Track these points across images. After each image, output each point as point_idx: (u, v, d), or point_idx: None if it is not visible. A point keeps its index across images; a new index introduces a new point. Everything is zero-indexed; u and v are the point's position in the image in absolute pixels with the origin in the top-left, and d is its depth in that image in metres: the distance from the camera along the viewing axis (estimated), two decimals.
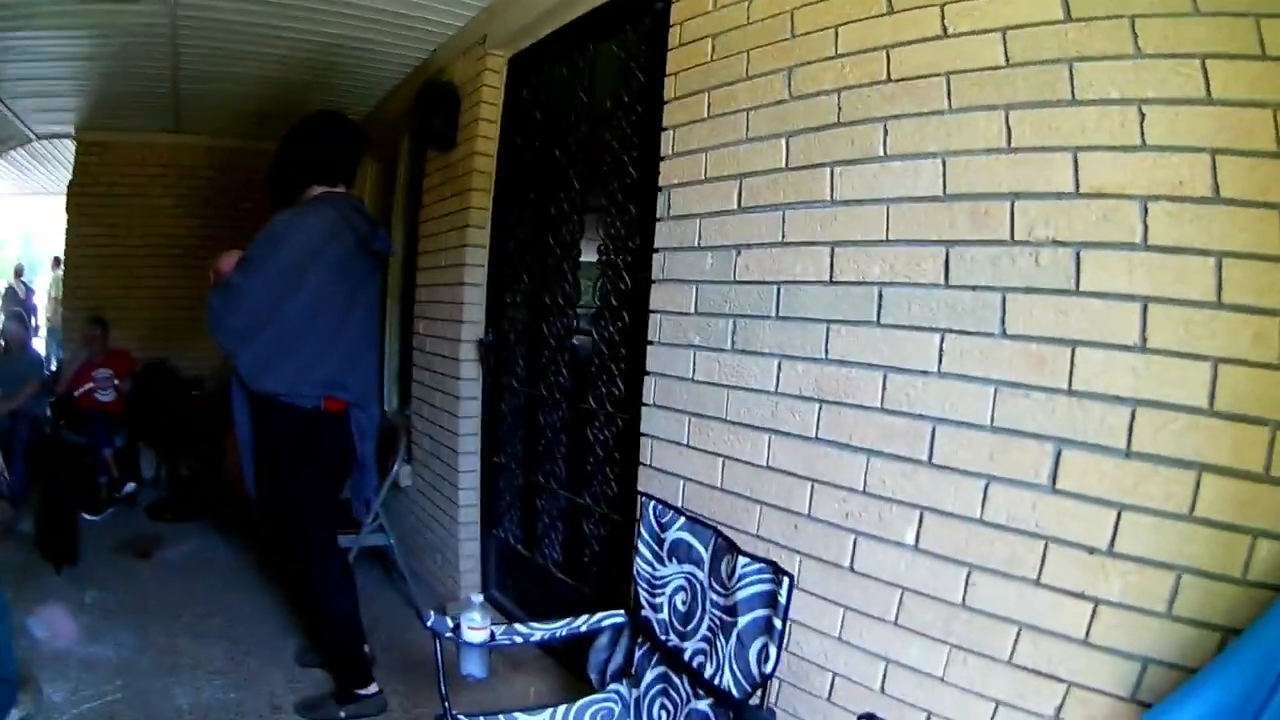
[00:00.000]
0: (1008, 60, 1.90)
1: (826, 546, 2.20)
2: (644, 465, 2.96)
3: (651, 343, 2.95)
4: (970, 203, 1.93)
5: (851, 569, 2.14)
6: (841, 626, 2.16)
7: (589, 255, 3.74)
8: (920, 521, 1.98)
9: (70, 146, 8.32)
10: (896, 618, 2.03)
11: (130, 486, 6.75)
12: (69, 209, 8.02)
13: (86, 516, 6.23)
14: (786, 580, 2.04)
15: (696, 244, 2.76)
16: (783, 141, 2.44)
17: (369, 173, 7.37)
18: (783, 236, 2.42)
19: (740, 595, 2.15)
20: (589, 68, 3.84)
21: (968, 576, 1.89)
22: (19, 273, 16.36)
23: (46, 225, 13.92)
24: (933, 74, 2.04)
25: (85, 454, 6.54)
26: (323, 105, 6.29)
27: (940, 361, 1.95)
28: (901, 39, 2.12)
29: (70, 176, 8.10)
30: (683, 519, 2.52)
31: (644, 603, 2.58)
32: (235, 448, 6.14)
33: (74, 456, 6.47)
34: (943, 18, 2.03)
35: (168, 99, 6.73)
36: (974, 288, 1.90)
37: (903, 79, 2.11)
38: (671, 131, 2.92)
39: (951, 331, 1.93)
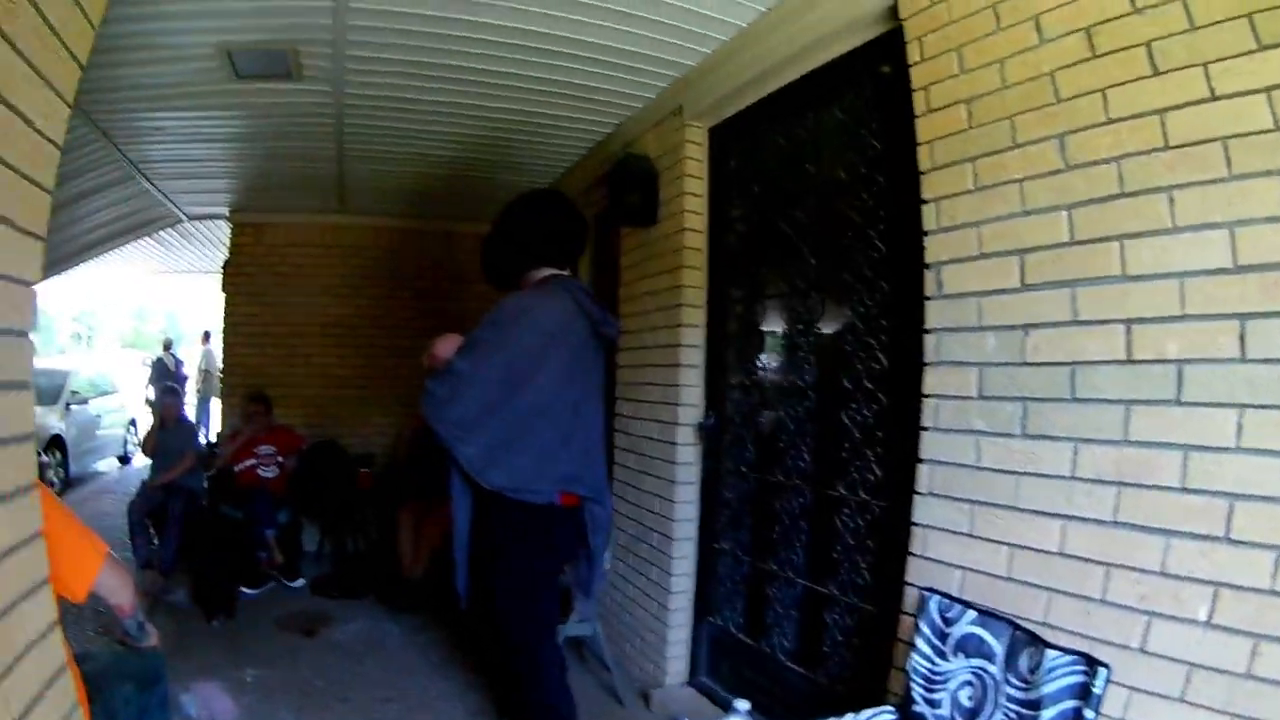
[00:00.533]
0: (1277, 124, 2.02)
1: (1118, 629, 2.31)
2: (916, 556, 3.03)
3: (926, 429, 3.00)
4: (1259, 274, 2.05)
5: (1142, 650, 2.25)
6: (1126, 707, 2.26)
7: (827, 332, 3.89)
8: (1214, 597, 2.11)
9: (221, 225, 9.12)
10: (1183, 694, 2.15)
11: (300, 582, 7.15)
12: (225, 288, 8.74)
13: (244, 591, 6.71)
14: (1103, 671, 2.16)
15: (977, 324, 2.82)
16: (1064, 214, 2.52)
17: None
18: (1075, 315, 2.49)
19: (1047, 689, 2.26)
20: (812, 137, 4.03)
21: (1254, 647, 2.03)
22: (168, 346, 17.72)
23: (193, 300, 14.84)
24: (1208, 139, 2.14)
25: (244, 528, 7.02)
26: (497, 183, 6.88)
27: (1239, 437, 2.09)
28: (1172, 102, 2.22)
29: (226, 256, 8.84)
30: (973, 613, 2.60)
31: (917, 698, 2.68)
32: (409, 525, 6.74)
33: (231, 530, 6.99)
34: (1208, 78, 2.14)
35: (330, 180, 7.32)
36: (1267, 360, 2.04)
37: (1180, 145, 2.21)
38: (934, 205, 3.00)
39: (1250, 406, 2.07)
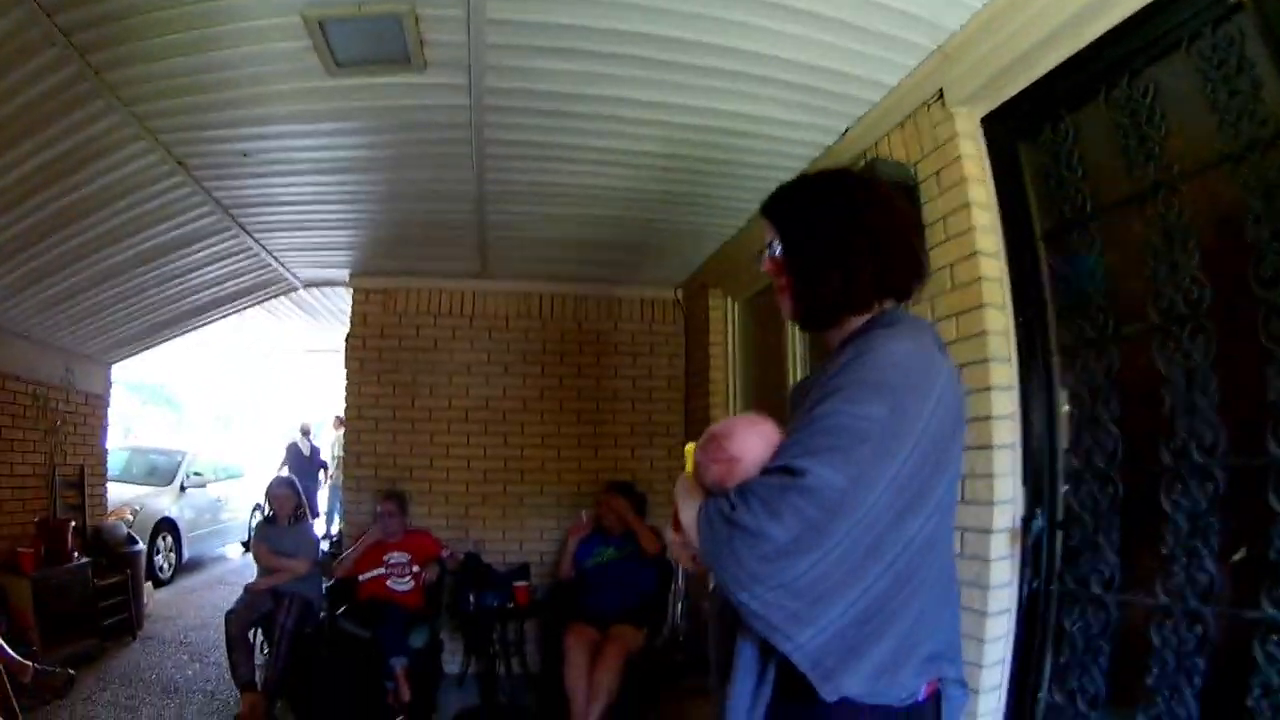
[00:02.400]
0: None
1: None
2: None
3: None
4: None
5: None
6: None
7: (1232, 376, 2.75)
8: None
9: (343, 296, 8.52)
10: None
11: None
12: (348, 363, 7.93)
13: None
14: None
15: None
16: None
17: (730, 314, 7.06)
18: None
19: None
20: (1154, 102, 2.99)
21: None
22: (305, 432, 17.85)
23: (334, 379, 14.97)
24: None
25: (369, 650, 6.17)
26: (679, 226, 6.03)
27: None
28: None
29: (348, 327, 8.03)
30: None
31: None
32: (580, 656, 5.74)
33: (351, 649, 6.22)
34: None
35: (469, 229, 6.44)
36: None
37: None
38: None
39: None
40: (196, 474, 14.02)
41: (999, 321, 3.54)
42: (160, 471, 13.34)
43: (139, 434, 21.63)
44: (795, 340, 5.76)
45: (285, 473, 15.18)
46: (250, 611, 6.60)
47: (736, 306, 7.21)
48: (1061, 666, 3.38)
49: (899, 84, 3.99)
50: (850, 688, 1.77)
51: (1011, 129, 3.61)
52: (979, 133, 3.71)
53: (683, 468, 2.03)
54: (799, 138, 4.59)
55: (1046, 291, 3.49)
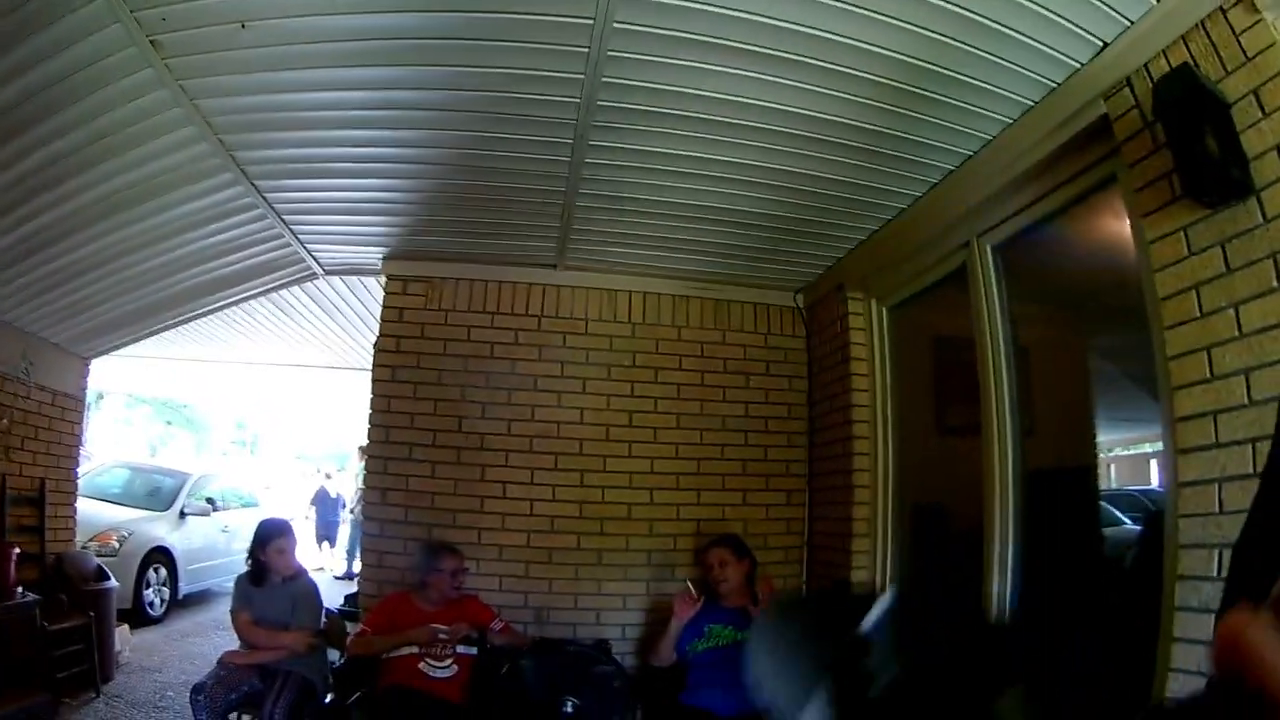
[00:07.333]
0: None
1: None
2: None
3: None
4: None
5: None
6: None
7: None
8: None
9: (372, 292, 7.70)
10: None
11: None
12: (375, 371, 6.86)
13: None
14: None
15: None
16: None
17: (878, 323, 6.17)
18: None
19: None
20: None
21: None
22: (329, 476, 20.47)
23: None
24: None
25: None
26: (826, 208, 5.19)
27: None
28: None
29: (378, 328, 6.98)
30: None
31: None
32: None
33: None
34: None
35: (555, 195, 5.36)
36: None
37: None
38: None
39: None
40: (208, 499, 13.72)
41: None
42: (162, 494, 13.02)
43: (164, 457, 22.76)
44: (1000, 352, 4.78)
45: (312, 516, 15.38)
46: (225, 690, 5.32)
47: (885, 314, 6.20)
48: None
49: None
50: None
51: None
52: None
53: None
54: (1023, 62, 3.67)
55: None
